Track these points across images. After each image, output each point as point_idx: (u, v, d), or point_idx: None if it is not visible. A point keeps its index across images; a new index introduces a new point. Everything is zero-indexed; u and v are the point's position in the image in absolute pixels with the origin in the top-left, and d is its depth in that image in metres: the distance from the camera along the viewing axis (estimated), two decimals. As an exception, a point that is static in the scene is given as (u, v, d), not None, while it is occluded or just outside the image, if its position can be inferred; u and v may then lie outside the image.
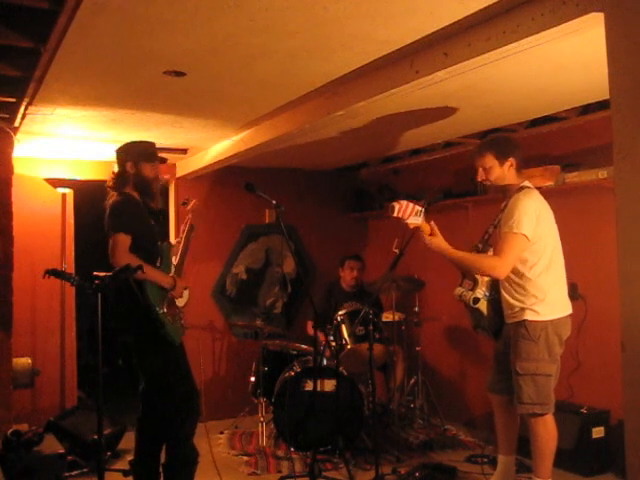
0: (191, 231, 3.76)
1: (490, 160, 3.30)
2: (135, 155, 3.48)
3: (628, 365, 1.99)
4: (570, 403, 4.19)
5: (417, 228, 3.17)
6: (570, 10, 2.21)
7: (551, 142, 4.45)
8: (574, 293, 4.25)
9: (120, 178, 3.46)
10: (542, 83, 3.32)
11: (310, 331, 5.40)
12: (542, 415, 3.19)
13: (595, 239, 4.14)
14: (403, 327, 5.26)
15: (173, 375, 3.34)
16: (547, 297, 3.18)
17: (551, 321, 3.17)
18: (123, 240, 3.22)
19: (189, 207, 3.89)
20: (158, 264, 3.42)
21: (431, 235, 3.19)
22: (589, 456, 3.94)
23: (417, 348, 5.17)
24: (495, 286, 3.35)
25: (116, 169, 3.50)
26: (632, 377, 1.98)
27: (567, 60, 2.93)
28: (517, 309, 3.23)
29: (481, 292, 3.32)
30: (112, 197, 3.44)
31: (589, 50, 2.70)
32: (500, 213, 3.32)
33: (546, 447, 3.20)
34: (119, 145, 3.57)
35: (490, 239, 3.36)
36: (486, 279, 3.34)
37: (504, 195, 3.37)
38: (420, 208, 3.13)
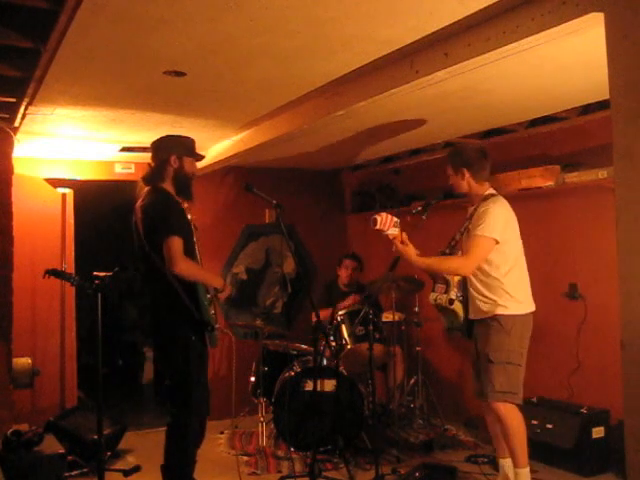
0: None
1: (449, 169, 3.54)
2: (180, 149, 3.38)
3: (628, 365, 1.99)
4: (570, 403, 4.19)
5: (394, 238, 3.32)
6: (570, 10, 2.21)
7: (551, 142, 4.45)
8: (574, 293, 4.26)
9: (159, 172, 3.36)
10: (542, 83, 3.33)
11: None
12: (511, 405, 3.30)
13: (595, 239, 4.14)
14: (403, 327, 5.26)
15: (202, 379, 3.33)
16: (515, 295, 3.34)
17: (519, 317, 3.34)
18: (178, 244, 3.12)
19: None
20: (198, 262, 3.37)
21: (402, 244, 3.32)
22: (589, 456, 3.94)
23: (417, 348, 5.17)
24: (465, 286, 3.50)
25: (153, 163, 3.40)
26: (632, 377, 1.98)
27: (567, 60, 2.93)
28: (488, 306, 3.36)
29: (454, 293, 3.49)
30: (146, 192, 3.34)
31: (589, 50, 2.70)
32: (467, 220, 3.49)
33: (520, 435, 3.31)
34: (157, 138, 3.47)
35: (457, 245, 3.53)
36: (456, 280, 3.52)
37: (470, 202, 3.55)
38: (397, 219, 3.29)
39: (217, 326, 3.44)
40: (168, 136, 3.48)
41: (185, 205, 3.51)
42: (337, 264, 5.59)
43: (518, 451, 3.32)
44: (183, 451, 3.30)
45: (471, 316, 3.48)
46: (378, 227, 3.21)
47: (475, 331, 3.49)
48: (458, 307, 3.50)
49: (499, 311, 3.33)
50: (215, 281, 3.36)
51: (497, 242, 3.29)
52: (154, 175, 3.38)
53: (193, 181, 3.44)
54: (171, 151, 3.36)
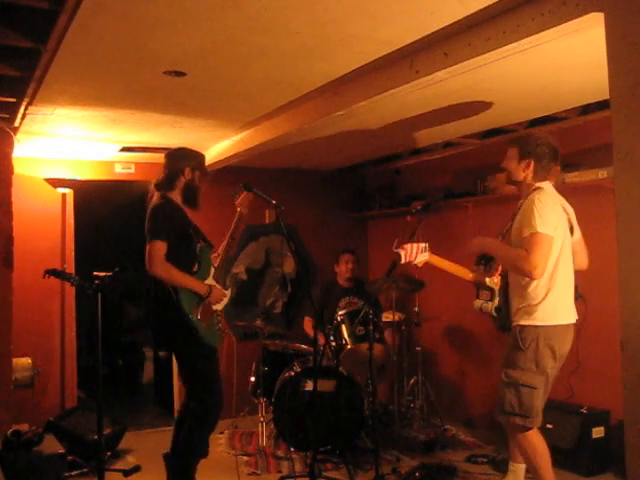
0: (237, 229, 3.74)
1: (512, 153, 3.24)
2: (194, 162, 3.55)
3: (628, 365, 1.99)
4: (570, 403, 4.19)
5: (427, 263, 3.29)
6: (570, 10, 2.22)
7: (551, 142, 4.45)
8: (574, 293, 4.26)
9: (171, 181, 3.50)
10: (542, 83, 3.33)
11: (307, 328, 5.42)
12: (523, 428, 3.08)
13: (595, 239, 4.14)
14: (403, 327, 5.26)
15: (207, 374, 3.43)
16: (544, 301, 3.06)
17: (544, 328, 3.05)
18: (159, 247, 3.28)
19: (238, 200, 3.75)
20: (195, 269, 3.43)
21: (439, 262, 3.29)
22: (589, 456, 3.94)
23: (417, 348, 5.17)
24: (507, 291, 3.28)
25: (165, 171, 3.53)
26: (632, 377, 1.98)
27: (567, 60, 2.93)
28: (516, 313, 3.15)
29: (498, 300, 3.31)
30: (154, 199, 3.48)
31: (589, 50, 2.70)
32: (510, 220, 3.23)
33: (533, 461, 3.09)
34: (173, 149, 3.68)
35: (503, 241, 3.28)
36: (499, 287, 3.30)
37: (520, 193, 3.28)
38: (424, 244, 3.26)
39: (218, 327, 3.50)
40: (185, 149, 3.67)
41: (239, 210, 3.68)
42: (335, 262, 5.60)
43: (540, 472, 3.06)
44: (187, 447, 3.37)
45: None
46: (405, 261, 3.24)
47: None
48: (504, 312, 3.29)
49: (522, 321, 3.07)
50: (198, 287, 3.40)
51: (553, 238, 2.98)
52: (166, 183, 3.51)
53: (200, 194, 3.59)
54: (187, 163, 3.52)
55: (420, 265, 3.30)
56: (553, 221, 3.01)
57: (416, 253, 3.25)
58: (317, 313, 3.64)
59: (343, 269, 5.51)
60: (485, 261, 3.31)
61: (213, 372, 3.46)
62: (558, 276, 3.09)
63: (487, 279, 3.35)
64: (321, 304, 5.35)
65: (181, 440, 3.38)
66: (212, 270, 3.55)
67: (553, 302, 3.07)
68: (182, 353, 3.48)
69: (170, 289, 3.31)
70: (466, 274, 3.38)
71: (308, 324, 5.45)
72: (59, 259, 5.26)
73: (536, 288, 3.07)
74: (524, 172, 3.19)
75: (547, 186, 3.19)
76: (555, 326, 3.07)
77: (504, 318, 3.25)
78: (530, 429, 3.09)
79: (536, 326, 3.05)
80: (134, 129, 4.40)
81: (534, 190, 3.14)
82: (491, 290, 3.29)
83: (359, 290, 5.41)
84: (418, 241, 3.35)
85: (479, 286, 3.37)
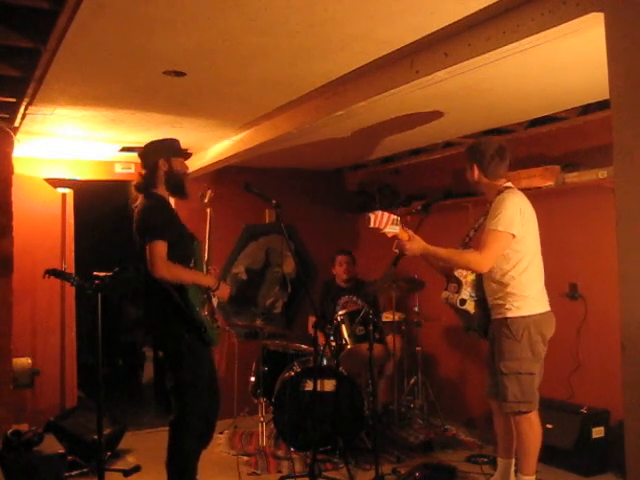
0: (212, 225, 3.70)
1: (466, 164, 3.49)
2: (165, 151, 3.41)
3: (628, 365, 1.99)
4: (570, 403, 4.19)
5: (395, 236, 3.24)
6: (570, 10, 2.21)
7: (551, 142, 4.45)
8: (574, 293, 4.26)
9: (151, 177, 3.40)
10: (542, 83, 3.33)
11: (311, 329, 5.40)
12: (527, 413, 3.24)
13: (595, 239, 4.14)
14: (403, 327, 5.26)
15: (200, 384, 3.30)
16: (528, 293, 3.24)
17: (532, 318, 3.22)
18: (160, 248, 3.17)
19: (206, 199, 3.73)
20: (192, 265, 3.35)
21: (409, 240, 3.25)
22: (589, 456, 3.94)
23: (417, 348, 5.17)
24: (480, 286, 3.41)
25: (143, 170, 3.45)
26: (632, 377, 1.98)
27: (567, 60, 2.93)
28: (498, 306, 3.30)
29: (466, 293, 3.39)
30: (139, 200, 3.39)
31: (589, 50, 2.70)
32: (482, 217, 3.42)
33: (531, 445, 3.25)
34: (142, 146, 3.51)
35: (471, 242, 3.45)
36: (470, 279, 3.42)
37: (487, 199, 3.49)
38: (396, 217, 3.20)
39: (217, 324, 3.46)
40: (152, 142, 3.51)
41: (209, 211, 3.57)
42: (331, 264, 5.59)
43: (528, 458, 3.26)
44: (183, 450, 3.29)
45: (492, 317, 3.38)
46: (372, 225, 3.15)
47: (490, 331, 3.41)
48: (471, 307, 3.39)
49: (509, 314, 3.23)
50: (205, 280, 3.35)
51: (514, 237, 3.19)
52: (146, 182, 3.41)
53: (186, 179, 3.47)
54: (158, 155, 3.39)
55: (389, 236, 3.22)
56: (518, 220, 3.20)
57: (386, 223, 3.17)
58: (317, 312, 3.62)
59: (340, 271, 5.50)
60: None
61: (202, 376, 3.31)
62: (535, 268, 3.31)
63: (455, 271, 3.44)
64: (321, 303, 5.35)
65: (174, 450, 3.31)
66: (204, 267, 3.48)
67: (535, 292, 3.28)
68: (174, 353, 3.32)
69: (170, 288, 3.21)
70: (418, 242, 3.31)
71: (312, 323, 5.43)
72: (59, 259, 5.26)
73: (520, 282, 3.24)
74: (474, 177, 3.43)
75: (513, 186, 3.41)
76: (542, 314, 3.26)
77: (481, 317, 3.40)
78: (531, 412, 3.25)
79: (525, 316, 3.22)
80: (134, 129, 4.40)
81: (505, 189, 3.35)
82: (458, 282, 3.38)
83: (359, 290, 5.40)
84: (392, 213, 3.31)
85: (448, 278, 3.47)
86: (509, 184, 3.40)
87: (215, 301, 3.48)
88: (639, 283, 1.94)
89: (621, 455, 2.10)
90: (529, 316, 3.22)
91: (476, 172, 3.41)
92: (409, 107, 3.70)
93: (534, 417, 3.27)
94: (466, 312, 3.41)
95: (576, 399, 4.22)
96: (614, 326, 2.25)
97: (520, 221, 3.21)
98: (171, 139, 3.53)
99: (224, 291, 3.45)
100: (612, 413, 3.99)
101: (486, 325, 3.43)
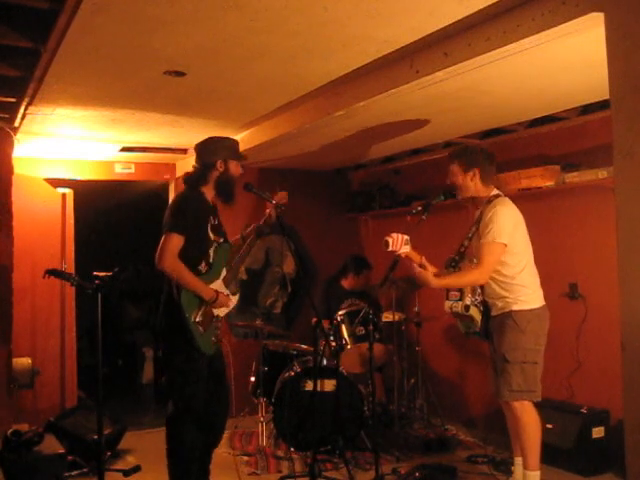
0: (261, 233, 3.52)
1: (455, 169, 3.48)
2: (225, 152, 3.32)
3: (628, 365, 2.00)
4: (570, 403, 4.19)
5: (407, 256, 3.43)
6: (570, 10, 2.22)
7: (551, 142, 4.45)
8: (574, 293, 4.26)
9: (203, 174, 3.30)
10: (542, 83, 3.33)
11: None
12: (529, 403, 3.32)
13: (595, 239, 4.14)
14: (403, 327, 5.26)
15: (190, 386, 3.23)
16: (530, 289, 3.39)
17: (536, 311, 3.36)
18: (175, 242, 3.11)
19: (275, 201, 3.45)
20: (204, 270, 3.25)
21: (421, 267, 3.40)
22: (589, 456, 3.94)
23: (417, 348, 5.17)
24: (476, 289, 3.48)
25: (197, 164, 3.33)
26: (632, 377, 1.98)
27: (567, 60, 2.93)
28: (503, 302, 3.39)
29: (469, 299, 3.45)
30: (183, 189, 3.33)
31: (589, 50, 2.70)
32: (474, 225, 3.48)
33: (534, 435, 3.32)
34: (203, 140, 3.37)
35: (466, 251, 3.50)
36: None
37: (474, 206, 3.56)
38: (407, 237, 3.39)
39: (216, 333, 3.36)
40: (213, 139, 3.38)
41: (269, 211, 3.43)
42: (353, 272, 5.42)
43: (530, 452, 3.31)
44: (177, 452, 3.27)
45: (491, 314, 3.47)
46: (391, 249, 3.33)
47: (491, 328, 3.47)
48: (475, 312, 3.46)
49: (515, 307, 3.34)
50: (203, 292, 3.22)
51: (506, 246, 3.32)
52: (198, 177, 3.32)
53: (236, 184, 3.39)
54: (218, 156, 3.30)
55: (403, 256, 3.41)
56: (510, 226, 3.34)
57: (401, 244, 3.37)
58: (317, 313, 3.62)
59: (360, 282, 5.40)
60: (454, 263, 3.48)
61: (195, 379, 3.24)
62: (531, 266, 3.44)
63: None
64: (323, 302, 5.32)
65: (169, 452, 3.29)
66: (224, 272, 3.38)
67: (535, 287, 3.44)
68: (168, 353, 3.31)
69: (174, 287, 3.17)
70: (430, 277, 3.40)
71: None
72: (59, 259, 5.26)
73: (521, 279, 3.37)
74: (472, 182, 3.46)
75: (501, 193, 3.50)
76: (542, 307, 3.42)
77: (485, 322, 3.47)
78: (536, 404, 3.34)
79: (531, 309, 3.36)
80: (134, 129, 4.40)
81: (495, 197, 3.44)
82: (460, 290, 3.43)
83: (363, 295, 5.37)
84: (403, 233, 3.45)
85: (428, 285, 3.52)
86: (497, 191, 3.49)
87: (223, 312, 3.38)
88: (639, 283, 1.94)
89: (621, 455, 2.10)
90: (533, 309, 3.35)
91: (477, 177, 3.43)
92: (409, 107, 3.70)
93: (532, 407, 3.34)
94: (470, 317, 3.46)
95: (576, 399, 4.22)
96: (614, 326, 2.25)
97: (511, 231, 3.33)
98: (231, 139, 3.46)
99: (220, 303, 3.30)
100: (612, 413, 3.99)
101: (486, 326, 3.48)
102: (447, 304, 3.49)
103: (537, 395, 3.35)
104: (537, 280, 3.46)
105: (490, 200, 3.43)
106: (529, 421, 3.32)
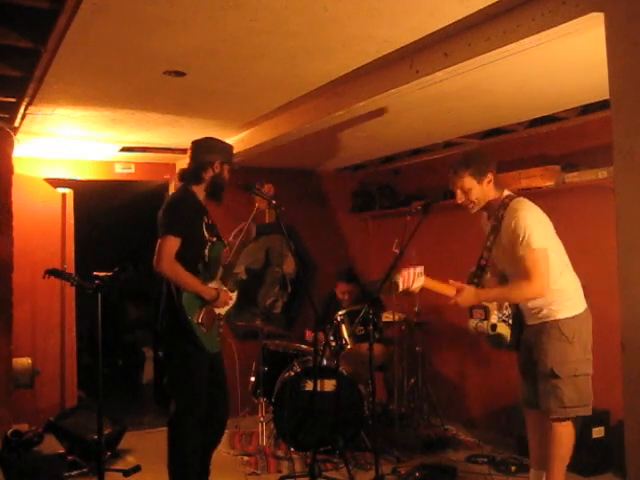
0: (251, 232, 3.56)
1: (469, 181, 3.14)
2: (224, 155, 3.37)
3: (628, 365, 2.00)
4: (570, 403, 4.18)
5: (426, 287, 3.09)
6: (570, 10, 2.22)
7: (551, 142, 4.45)
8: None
9: (198, 172, 3.32)
10: (542, 83, 3.32)
11: (308, 337, 5.36)
12: (569, 420, 3.09)
13: (595, 239, 4.14)
14: (403, 327, 5.25)
15: (193, 386, 3.26)
16: (573, 293, 3.15)
17: (581, 316, 3.11)
18: (172, 244, 3.13)
19: (263, 193, 3.43)
20: (199, 267, 3.27)
21: (458, 294, 3.08)
22: (589, 456, 3.94)
23: (417, 348, 5.17)
24: (504, 303, 3.22)
25: (190, 162, 3.34)
26: (632, 377, 1.98)
27: (567, 60, 2.93)
28: (544, 310, 3.12)
29: (495, 316, 3.18)
30: (176, 189, 3.35)
31: (589, 50, 2.70)
32: (491, 234, 3.20)
33: (566, 454, 3.11)
34: (201, 138, 3.38)
35: (488, 263, 3.22)
36: (495, 302, 3.21)
37: (488, 211, 3.26)
38: (420, 269, 3.03)
39: (218, 332, 3.40)
40: (211, 139, 3.41)
41: (257, 205, 3.43)
42: (346, 280, 5.39)
43: (559, 469, 3.10)
44: (179, 452, 3.28)
45: (528, 322, 3.21)
46: (402, 288, 3.00)
47: (526, 337, 3.21)
48: (502, 329, 3.19)
49: (560, 315, 3.08)
50: (204, 292, 3.24)
51: (546, 249, 3.03)
52: (192, 175, 3.34)
53: (226, 187, 3.42)
54: (217, 157, 3.33)
55: (417, 291, 3.10)
56: (541, 229, 3.07)
57: (413, 279, 3.02)
58: (316, 312, 3.61)
59: (341, 298, 5.33)
60: (478, 279, 3.21)
61: (196, 385, 3.26)
62: (569, 267, 3.19)
63: None
64: (325, 313, 5.29)
65: (170, 452, 3.29)
66: (220, 270, 3.40)
67: (577, 290, 3.18)
68: (169, 354, 3.33)
69: (174, 288, 3.19)
70: (473, 295, 3.16)
71: (309, 335, 5.34)
72: (59, 259, 5.25)
73: (562, 283, 3.11)
74: (488, 187, 3.16)
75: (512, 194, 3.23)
76: (586, 309, 3.15)
77: (516, 333, 3.22)
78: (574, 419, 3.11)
79: (575, 316, 3.09)
80: (134, 129, 4.40)
81: (508, 200, 3.15)
82: (484, 308, 3.15)
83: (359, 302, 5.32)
84: (413, 265, 3.09)
85: (471, 305, 3.21)
86: (508, 192, 3.23)
87: (224, 310, 3.40)
88: (639, 283, 1.94)
89: (621, 455, 2.11)
90: (579, 315, 3.10)
91: (492, 182, 3.16)
92: (409, 107, 3.70)
93: (572, 424, 3.12)
94: (498, 335, 3.20)
95: (576, 399, 4.21)
96: (614, 327, 2.25)
97: (543, 232, 3.07)
98: (228, 144, 3.50)
99: (222, 301, 3.33)
100: (612, 413, 3.99)
101: (517, 338, 3.25)
102: (471, 323, 3.19)
103: (589, 409, 3.09)
104: (577, 282, 3.19)
105: (505, 203, 3.14)
106: (567, 439, 3.08)
